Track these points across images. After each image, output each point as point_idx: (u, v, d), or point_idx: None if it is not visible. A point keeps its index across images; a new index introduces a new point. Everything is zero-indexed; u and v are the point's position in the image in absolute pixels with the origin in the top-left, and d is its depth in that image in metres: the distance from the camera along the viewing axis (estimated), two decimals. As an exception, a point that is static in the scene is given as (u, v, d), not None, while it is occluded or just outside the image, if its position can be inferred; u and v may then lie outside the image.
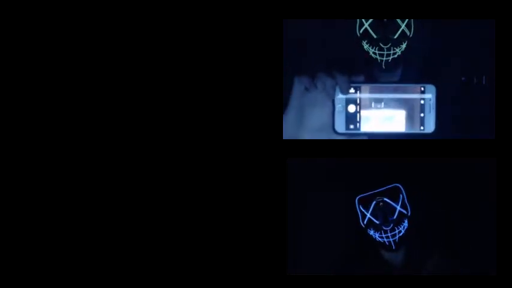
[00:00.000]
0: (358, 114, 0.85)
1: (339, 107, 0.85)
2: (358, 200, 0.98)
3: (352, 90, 0.86)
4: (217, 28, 0.91)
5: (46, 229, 0.91)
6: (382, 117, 0.86)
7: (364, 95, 0.85)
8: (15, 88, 0.91)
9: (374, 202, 0.96)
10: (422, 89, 0.85)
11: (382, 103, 0.86)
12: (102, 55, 0.91)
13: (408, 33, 0.95)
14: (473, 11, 0.92)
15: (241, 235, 0.92)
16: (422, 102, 0.85)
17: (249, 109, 0.92)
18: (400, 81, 0.96)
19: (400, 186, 0.97)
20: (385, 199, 0.96)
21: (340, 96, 0.85)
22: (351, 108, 0.85)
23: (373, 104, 0.86)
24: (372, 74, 0.97)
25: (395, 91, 0.86)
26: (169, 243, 0.92)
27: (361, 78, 0.86)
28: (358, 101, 0.85)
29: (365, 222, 0.97)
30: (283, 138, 0.85)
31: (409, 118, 0.85)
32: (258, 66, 0.92)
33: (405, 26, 0.95)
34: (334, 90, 0.85)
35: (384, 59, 0.95)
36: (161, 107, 0.92)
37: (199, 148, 0.92)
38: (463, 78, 0.98)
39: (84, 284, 0.92)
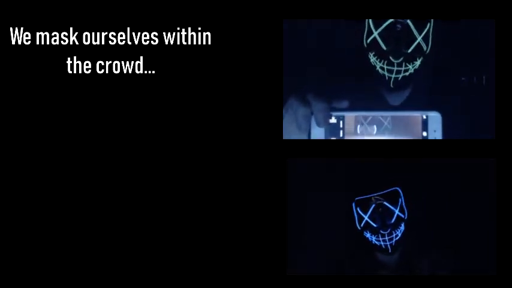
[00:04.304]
0: None
1: None
2: (356, 202, 0.96)
3: (333, 120, 0.67)
4: (217, 28, 0.91)
5: (45, 229, 0.91)
6: None
7: (349, 126, 0.66)
8: (15, 88, 0.91)
9: (373, 205, 0.93)
10: (425, 117, 0.66)
11: (374, 132, 0.65)
12: (101, 54, 0.91)
13: (425, 48, 0.79)
14: (473, 11, 0.92)
15: (241, 235, 0.92)
16: (424, 134, 0.68)
17: (249, 109, 0.92)
18: (407, 105, 0.78)
19: (400, 190, 0.94)
20: (384, 203, 0.94)
21: (316, 129, 0.64)
22: None
23: (359, 130, 0.65)
24: (378, 93, 0.82)
25: (391, 120, 0.66)
26: (169, 243, 0.92)
27: (345, 104, 0.68)
28: (341, 134, 0.66)
29: (362, 224, 0.95)
30: (283, 138, 0.85)
31: None
32: (258, 66, 0.92)
33: (422, 38, 0.78)
34: (309, 122, 0.65)
35: (393, 76, 0.78)
36: (161, 107, 0.92)
37: (200, 148, 0.92)
38: (463, 78, 0.98)
39: (84, 284, 0.91)
